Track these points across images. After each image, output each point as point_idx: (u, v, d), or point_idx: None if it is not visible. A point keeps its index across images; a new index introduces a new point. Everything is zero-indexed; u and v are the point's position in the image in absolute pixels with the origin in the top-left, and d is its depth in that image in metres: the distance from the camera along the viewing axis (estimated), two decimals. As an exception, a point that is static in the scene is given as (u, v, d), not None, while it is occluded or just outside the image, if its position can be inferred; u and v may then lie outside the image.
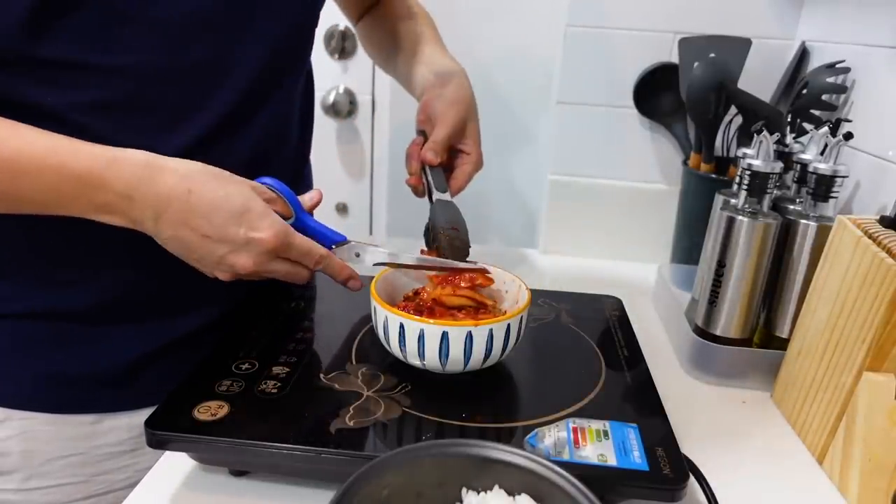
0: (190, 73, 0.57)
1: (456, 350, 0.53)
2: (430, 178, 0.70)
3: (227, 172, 0.55)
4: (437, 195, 0.68)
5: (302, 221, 0.61)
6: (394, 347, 0.56)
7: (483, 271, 0.61)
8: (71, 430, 0.63)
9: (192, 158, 0.55)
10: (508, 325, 0.55)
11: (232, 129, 0.62)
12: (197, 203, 0.52)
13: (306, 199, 0.62)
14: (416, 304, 0.59)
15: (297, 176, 0.76)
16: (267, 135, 0.66)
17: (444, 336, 0.53)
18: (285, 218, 0.58)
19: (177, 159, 0.54)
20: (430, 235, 0.66)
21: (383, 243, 0.62)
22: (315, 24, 0.69)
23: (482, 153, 0.74)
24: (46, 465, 0.63)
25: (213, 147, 0.60)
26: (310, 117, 0.78)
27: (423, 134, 0.73)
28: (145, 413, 0.61)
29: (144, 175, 0.51)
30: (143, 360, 0.64)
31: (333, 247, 0.61)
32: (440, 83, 0.73)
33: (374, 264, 0.62)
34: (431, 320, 0.54)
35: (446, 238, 0.63)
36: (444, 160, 0.71)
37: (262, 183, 0.58)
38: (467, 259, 0.63)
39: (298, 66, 0.69)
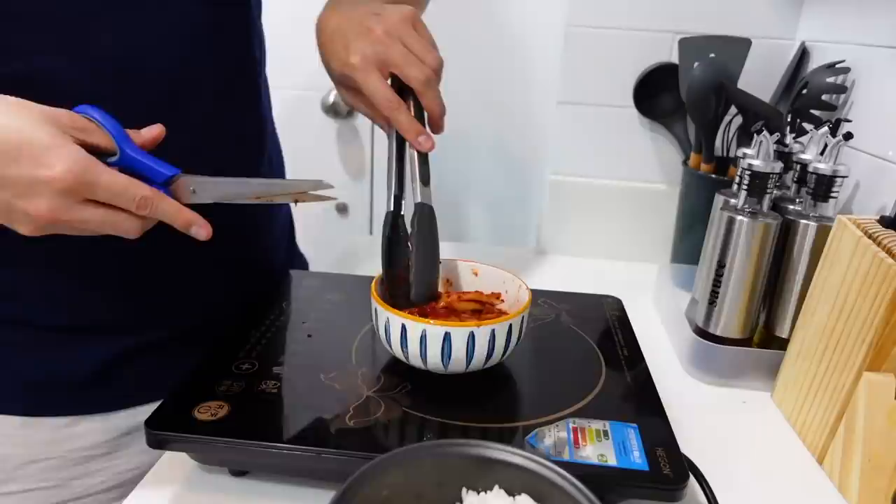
0: (95, 70, 0.52)
1: (458, 350, 0.53)
2: (407, 168, 0.60)
3: (10, 100, 0.45)
4: (419, 192, 0.57)
5: (128, 158, 0.49)
6: (395, 348, 0.55)
7: (319, 184, 0.54)
8: (44, 433, 0.61)
9: None
10: (510, 325, 0.55)
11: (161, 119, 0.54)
12: None
13: (143, 132, 0.51)
14: (420, 310, 0.59)
15: (261, 145, 0.70)
16: (202, 134, 0.60)
17: (447, 336, 0.53)
18: (107, 154, 0.48)
19: None
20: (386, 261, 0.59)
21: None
22: (246, 3, 0.63)
23: (425, 60, 0.59)
24: (20, 470, 0.61)
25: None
26: (265, 113, 0.71)
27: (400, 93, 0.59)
28: (121, 415, 0.61)
29: None
30: (116, 361, 0.62)
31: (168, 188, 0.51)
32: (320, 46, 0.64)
33: (219, 199, 0.53)
34: (433, 321, 0.53)
35: (397, 283, 0.58)
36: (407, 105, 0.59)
37: (79, 112, 0.48)
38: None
39: (233, 52, 0.63)
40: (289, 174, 1.45)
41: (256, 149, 0.71)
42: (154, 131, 0.51)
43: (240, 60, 0.65)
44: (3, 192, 0.44)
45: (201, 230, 0.51)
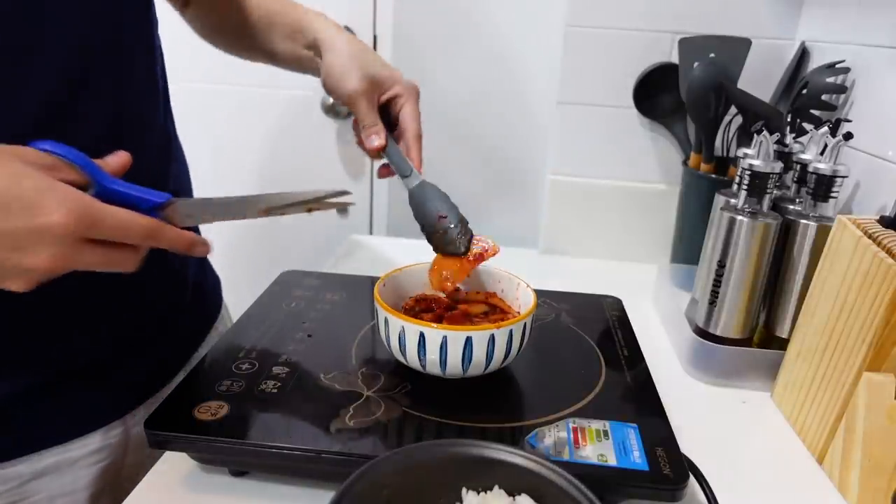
0: None
1: (479, 353, 0.53)
2: (390, 164, 0.64)
3: None
4: (407, 184, 0.62)
5: (105, 190, 0.45)
6: (411, 358, 0.54)
7: (343, 192, 0.53)
8: None
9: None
10: (525, 324, 0.55)
11: (58, 119, 0.51)
12: None
13: (110, 160, 0.47)
14: (435, 315, 0.59)
15: (166, 158, 0.65)
16: (112, 122, 0.55)
17: (468, 341, 0.52)
18: (81, 189, 0.43)
19: None
20: (431, 237, 0.62)
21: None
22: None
23: (408, 81, 0.66)
24: None
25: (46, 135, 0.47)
26: (169, 106, 0.67)
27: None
28: (31, 459, 0.55)
29: None
30: (13, 403, 0.54)
31: (161, 214, 0.48)
32: (316, 56, 0.66)
33: (213, 219, 0.50)
34: (452, 326, 0.53)
35: (442, 235, 0.59)
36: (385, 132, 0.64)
37: (38, 148, 0.43)
38: (473, 239, 0.59)
39: (135, 33, 0.58)
40: (289, 174, 1.45)
41: (167, 135, 0.67)
42: (122, 158, 0.48)
43: (148, 41, 0.62)
44: None
45: (205, 248, 0.49)
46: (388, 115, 0.66)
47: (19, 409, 0.55)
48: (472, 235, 0.60)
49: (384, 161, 0.66)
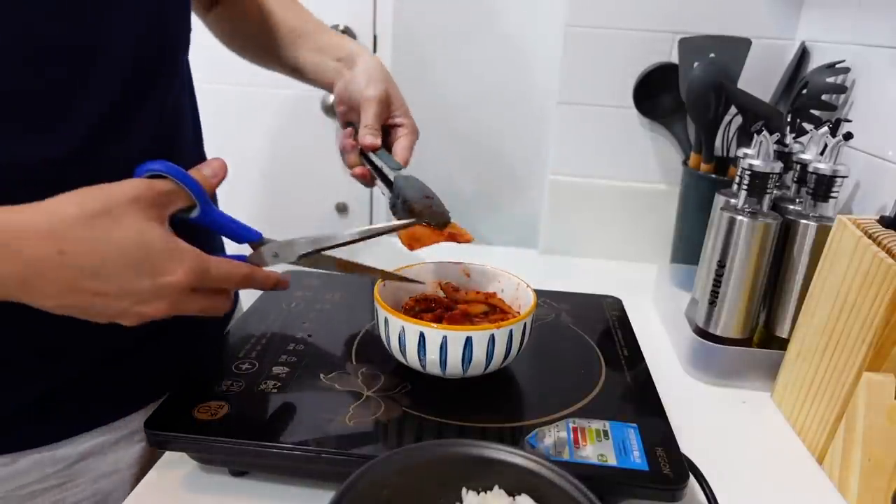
0: (51, 60, 0.48)
1: (479, 353, 0.53)
2: (376, 161, 0.67)
3: (101, 200, 0.43)
4: (394, 174, 0.65)
5: (208, 215, 0.50)
6: (411, 358, 0.54)
7: (414, 223, 0.57)
8: None
9: (72, 166, 0.48)
10: (525, 324, 0.55)
11: (119, 121, 0.53)
12: (76, 263, 0.42)
13: (207, 173, 0.50)
14: (435, 315, 0.59)
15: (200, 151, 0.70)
16: (157, 134, 0.58)
17: (468, 341, 0.52)
18: (188, 209, 0.49)
19: (36, 206, 0.42)
20: (403, 209, 0.61)
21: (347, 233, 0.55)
22: (187, 11, 0.62)
23: (413, 120, 0.71)
24: None
25: (101, 147, 0.52)
26: (196, 113, 0.70)
27: (351, 125, 0.72)
28: (71, 443, 0.57)
29: None
30: (56, 390, 0.57)
31: (249, 255, 0.53)
32: (346, 67, 0.71)
33: (300, 256, 0.55)
34: (452, 326, 0.53)
35: (425, 207, 0.60)
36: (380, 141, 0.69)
37: (149, 172, 0.47)
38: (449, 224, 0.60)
39: (182, 35, 0.61)
40: (289, 173, 1.45)
41: (199, 151, 0.71)
42: (220, 174, 0.52)
43: (185, 55, 0.65)
44: (123, 301, 0.44)
45: (285, 283, 0.55)
46: (385, 139, 0.70)
47: (66, 394, 0.57)
48: (449, 221, 0.61)
49: (366, 165, 0.69)
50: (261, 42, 0.76)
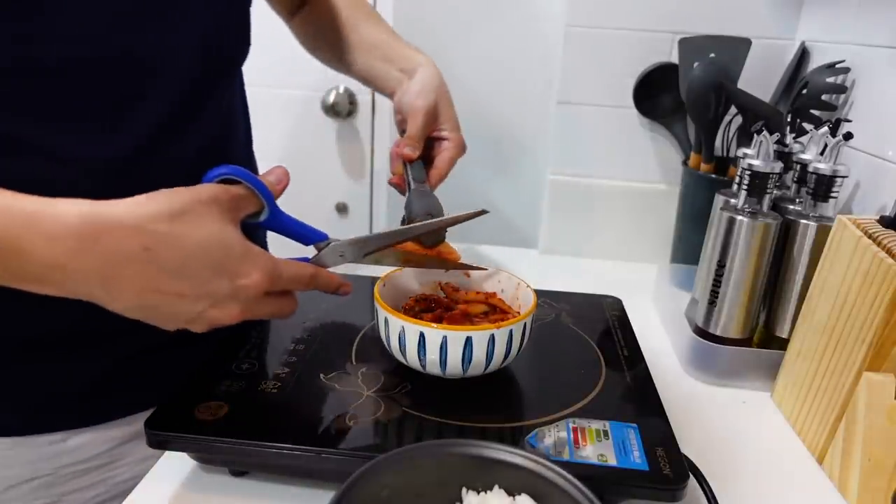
0: (123, 63, 0.52)
1: (479, 353, 0.53)
2: (408, 172, 0.69)
3: (185, 201, 0.44)
4: (413, 185, 0.67)
5: (276, 217, 0.52)
6: (411, 358, 0.54)
7: (481, 213, 0.58)
8: (35, 451, 0.59)
9: (134, 164, 0.50)
10: (525, 324, 0.55)
11: (181, 121, 0.56)
12: (160, 261, 0.42)
13: (272, 180, 0.52)
14: (435, 315, 0.59)
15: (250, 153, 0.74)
16: (213, 134, 0.61)
17: (468, 341, 0.52)
18: (256, 214, 0.51)
19: (122, 203, 0.42)
20: (403, 222, 0.65)
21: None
22: (247, 17, 0.64)
23: (462, 136, 0.73)
24: (10, 491, 0.59)
25: (164, 144, 0.54)
26: (247, 114, 0.74)
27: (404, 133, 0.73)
28: (117, 425, 0.60)
29: (81, 235, 0.40)
30: (110, 373, 0.61)
31: (313, 248, 0.55)
32: (407, 77, 0.73)
33: (365, 255, 0.56)
34: (452, 326, 0.53)
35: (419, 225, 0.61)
36: (422, 153, 0.70)
37: (219, 176, 0.48)
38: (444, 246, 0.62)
39: (242, 47, 0.65)
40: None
41: (249, 153, 0.74)
42: (284, 180, 0.53)
43: (244, 58, 0.68)
44: (200, 304, 0.44)
45: (347, 288, 0.56)
46: (429, 151, 0.72)
47: (120, 375, 0.60)
48: (443, 240, 0.63)
49: (402, 174, 0.70)
50: (337, 48, 0.79)
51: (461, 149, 0.73)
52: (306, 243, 0.55)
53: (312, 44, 0.84)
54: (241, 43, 0.64)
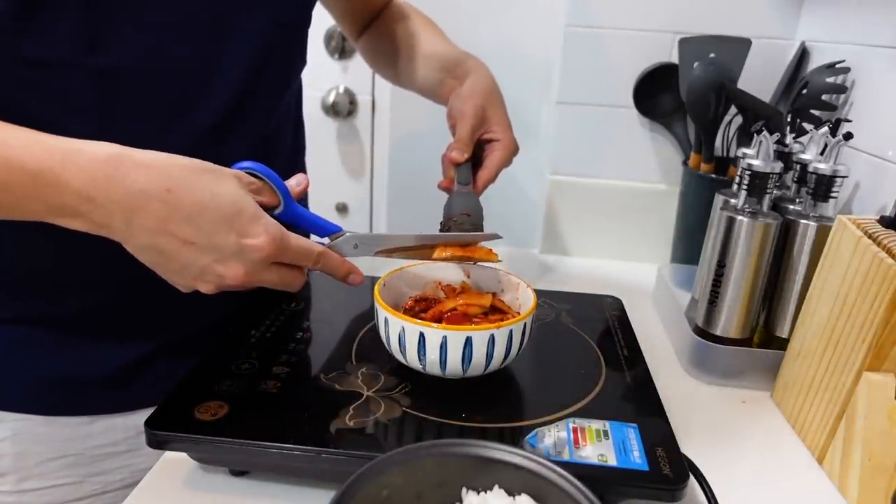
0: (177, 72, 0.56)
1: (479, 353, 0.53)
2: (455, 175, 0.69)
3: (208, 163, 0.49)
4: (456, 188, 0.68)
5: (292, 211, 0.55)
6: (411, 358, 0.54)
7: (494, 237, 0.62)
8: (65, 431, 0.63)
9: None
10: (525, 324, 0.55)
11: (226, 128, 0.60)
12: (178, 204, 0.46)
13: (293, 183, 0.57)
14: (433, 315, 0.59)
15: (293, 169, 0.76)
16: (262, 136, 0.64)
17: (468, 341, 0.52)
18: (272, 207, 0.54)
19: (149, 151, 0.47)
20: (443, 226, 0.66)
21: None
22: (307, 24, 0.68)
23: (513, 137, 0.73)
24: (41, 467, 0.62)
25: (209, 147, 0.57)
26: (301, 121, 0.77)
27: None
28: (142, 413, 0.60)
29: (109, 171, 0.45)
30: (139, 361, 0.64)
31: (327, 240, 0.58)
32: (458, 80, 0.73)
33: (377, 252, 0.59)
34: (452, 326, 0.53)
35: (455, 224, 0.64)
36: (470, 155, 0.70)
37: (242, 169, 0.53)
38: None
39: (290, 66, 0.68)
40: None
41: (296, 160, 0.77)
42: (303, 183, 0.57)
43: (301, 64, 0.72)
44: (207, 254, 0.48)
45: (357, 277, 0.58)
46: (480, 153, 0.73)
47: (147, 366, 0.64)
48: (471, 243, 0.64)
49: (452, 178, 0.71)
50: (399, 66, 0.82)
51: (511, 150, 0.73)
52: (322, 235, 0.58)
53: (375, 62, 0.89)
54: (291, 64, 0.67)
